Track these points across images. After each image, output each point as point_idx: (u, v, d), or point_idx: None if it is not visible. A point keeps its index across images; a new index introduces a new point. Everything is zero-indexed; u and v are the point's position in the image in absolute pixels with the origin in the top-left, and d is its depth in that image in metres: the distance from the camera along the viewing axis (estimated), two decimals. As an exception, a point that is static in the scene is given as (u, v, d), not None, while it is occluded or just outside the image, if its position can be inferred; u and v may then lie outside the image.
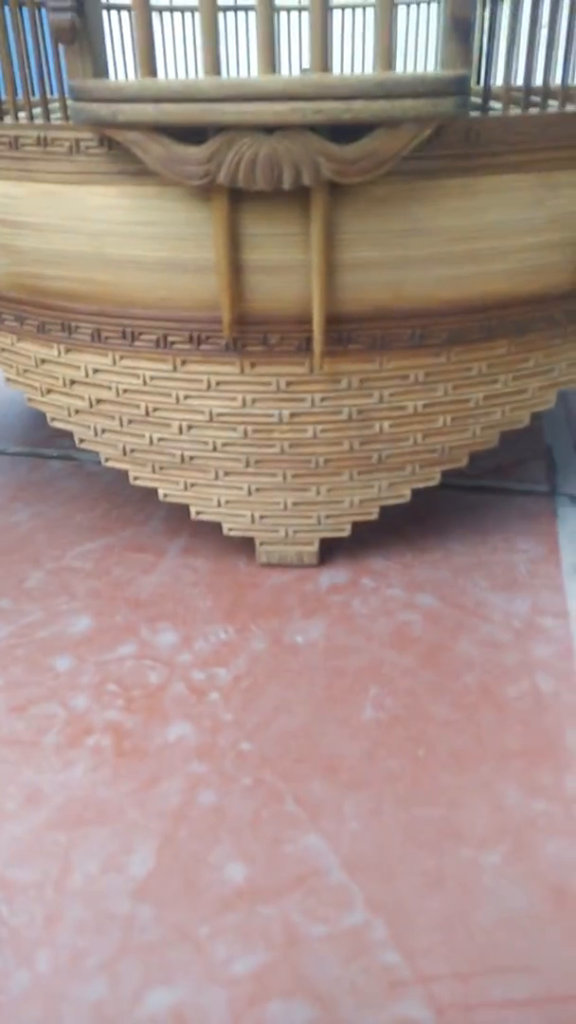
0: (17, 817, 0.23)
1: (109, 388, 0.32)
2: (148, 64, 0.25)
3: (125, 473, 0.42)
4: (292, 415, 0.31)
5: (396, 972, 0.19)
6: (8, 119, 0.29)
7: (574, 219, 0.29)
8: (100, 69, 0.26)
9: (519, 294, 0.30)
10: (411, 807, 0.24)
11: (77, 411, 0.34)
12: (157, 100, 0.24)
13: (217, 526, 0.37)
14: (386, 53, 0.24)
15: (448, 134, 0.26)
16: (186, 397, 0.31)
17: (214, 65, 0.25)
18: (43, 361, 0.33)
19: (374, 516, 0.34)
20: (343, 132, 0.25)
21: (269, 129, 0.25)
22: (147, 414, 0.32)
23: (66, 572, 0.35)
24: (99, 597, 0.33)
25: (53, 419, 0.35)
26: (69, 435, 0.47)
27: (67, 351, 0.32)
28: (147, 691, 0.28)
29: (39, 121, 0.31)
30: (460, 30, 0.25)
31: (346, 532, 0.34)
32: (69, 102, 0.27)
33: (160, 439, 0.33)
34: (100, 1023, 0.18)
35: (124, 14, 0.60)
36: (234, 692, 0.28)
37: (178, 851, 0.22)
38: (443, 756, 0.25)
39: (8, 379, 0.35)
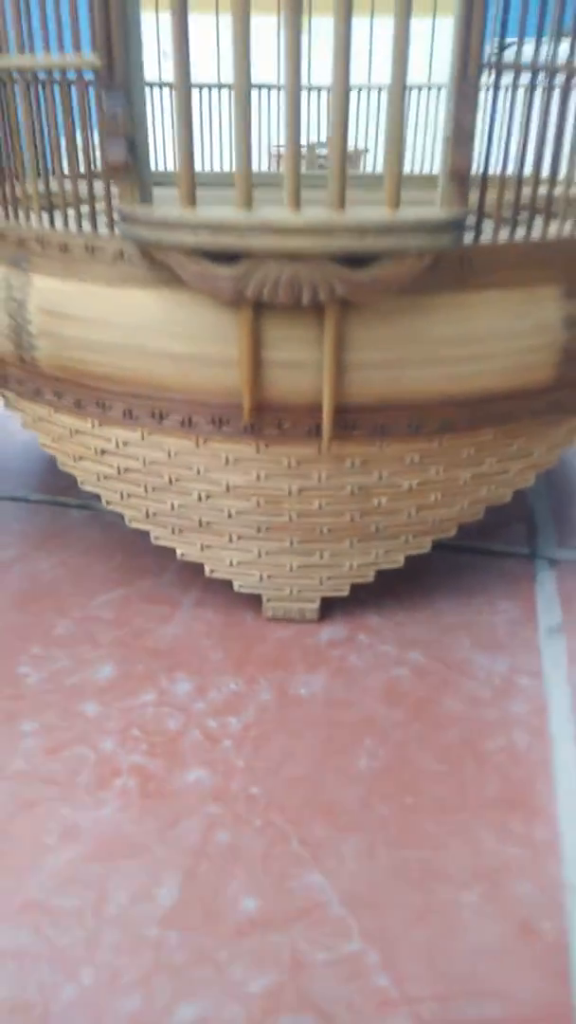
0: (57, 850, 0.27)
1: (136, 459, 0.36)
2: (189, 196, 0.29)
3: (141, 525, 0.45)
4: (300, 489, 0.35)
5: (386, 993, 0.23)
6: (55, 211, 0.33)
7: (553, 327, 0.34)
8: (146, 195, 0.30)
9: (503, 389, 0.34)
10: (400, 849, 0.27)
11: (105, 477, 0.37)
12: (195, 228, 0.28)
13: (227, 582, 0.41)
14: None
15: (445, 260, 0.30)
16: (206, 470, 0.35)
17: (247, 199, 0.29)
18: (77, 432, 0.37)
19: (370, 579, 0.37)
20: (355, 259, 0.29)
21: (291, 255, 0.28)
22: (170, 483, 0.36)
23: (90, 621, 0.38)
24: (120, 646, 0.37)
25: (83, 482, 0.38)
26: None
27: (100, 425, 0.36)
28: (167, 737, 0.32)
29: (86, 221, 0.35)
30: (459, 177, 0.29)
31: (345, 592, 0.38)
32: (117, 218, 0.31)
33: (180, 505, 0.36)
34: (136, 1032, 0.22)
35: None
36: (244, 740, 0.31)
37: (199, 884, 0.26)
38: (429, 803, 0.29)
39: (42, 444, 0.39)
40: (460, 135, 0.28)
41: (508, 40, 0.29)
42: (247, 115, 0.27)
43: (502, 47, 0.29)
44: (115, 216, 0.31)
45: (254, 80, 0.68)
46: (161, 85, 0.67)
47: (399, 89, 0.27)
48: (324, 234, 0.28)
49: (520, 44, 0.32)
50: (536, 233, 0.32)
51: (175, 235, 0.29)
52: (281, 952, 0.24)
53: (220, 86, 0.67)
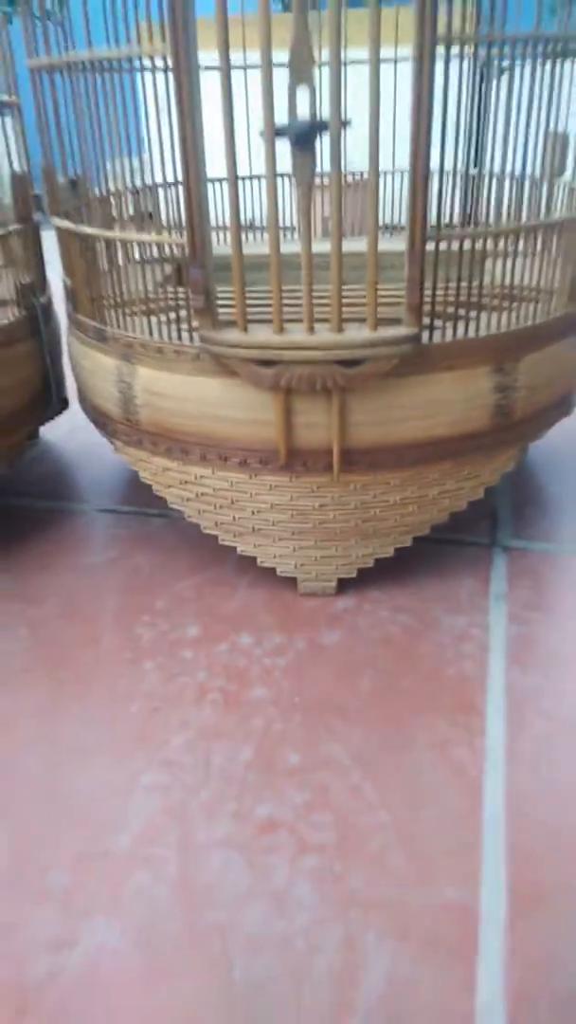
0: (177, 735, 0.44)
1: (208, 487, 0.53)
2: (243, 324, 0.45)
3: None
4: (320, 505, 0.52)
5: (374, 802, 0.39)
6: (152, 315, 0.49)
7: (486, 392, 0.50)
8: (216, 323, 0.47)
9: (456, 435, 0.50)
10: (386, 731, 0.44)
11: (187, 499, 0.54)
12: (247, 348, 0.45)
13: (272, 569, 0.58)
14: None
15: (410, 356, 0.47)
16: (256, 494, 0.52)
17: (280, 327, 0.45)
18: (167, 469, 0.54)
19: (371, 565, 0.54)
20: (350, 362, 0.45)
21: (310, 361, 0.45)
22: (231, 503, 0.53)
23: (178, 599, 0.55)
24: (201, 615, 0.54)
25: (171, 503, 0.55)
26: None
27: (183, 464, 0.53)
28: (238, 671, 0.48)
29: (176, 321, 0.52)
30: (414, 310, 0.45)
31: (354, 575, 0.54)
32: (196, 336, 0.48)
33: (239, 518, 0.53)
34: (234, 821, 0.39)
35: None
36: (288, 672, 0.48)
37: (264, 750, 0.43)
38: (407, 707, 0.45)
39: (143, 478, 0.56)
40: (412, 285, 0.44)
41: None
42: (279, 271, 0.44)
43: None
44: (196, 335, 0.48)
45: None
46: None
47: (373, 245, 0.43)
48: (329, 349, 0.44)
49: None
50: (472, 332, 0.48)
51: (234, 351, 0.45)
52: (313, 782, 0.41)
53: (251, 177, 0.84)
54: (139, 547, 0.62)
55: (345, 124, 0.40)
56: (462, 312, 0.52)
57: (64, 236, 0.55)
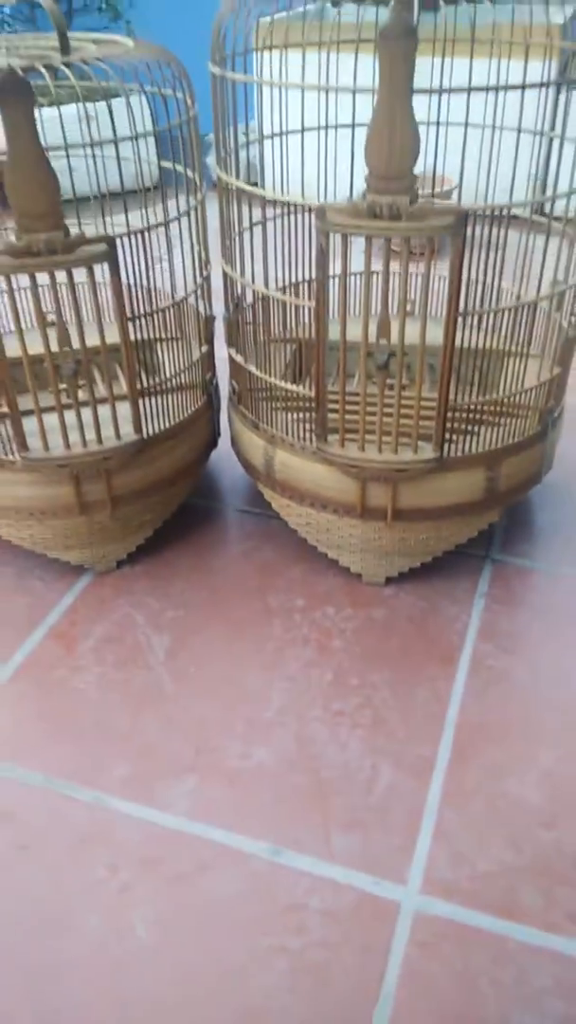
0: (293, 662, 0.83)
1: (313, 520, 0.90)
2: (341, 443, 0.81)
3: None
4: (378, 536, 0.88)
5: (394, 722, 0.78)
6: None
7: (481, 483, 0.85)
8: (327, 435, 0.82)
9: (459, 502, 0.86)
10: (407, 677, 0.82)
11: (300, 524, 0.92)
12: (342, 458, 0.81)
13: (347, 568, 0.95)
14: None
15: (433, 465, 0.82)
16: (342, 527, 0.89)
17: (363, 445, 0.81)
18: (289, 506, 0.91)
19: (406, 570, 0.91)
20: (401, 469, 0.81)
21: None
22: (326, 530, 0.90)
23: (292, 581, 0.94)
24: (304, 592, 0.92)
25: (294, 527, 0.93)
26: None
27: (299, 505, 0.90)
28: (325, 629, 0.87)
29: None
30: (438, 446, 0.80)
31: (395, 575, 0.91)
32: (314, 442, 0.84)
33: (330, 538, 0.90)
34: (321, 708, 0.78)
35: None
36: (353, 632, 0.86)
37: (338, 675, 0.81)
38: (417, 661, 0.83)
39: (275, 509, 0.93)
40: (437, 437, 0.79)
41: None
42: (364, 408, 0.79)
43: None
44: (315, 442, 0.84)
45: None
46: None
47: (417, 412, 0.78)
48: (388, 464, 0.80)
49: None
50: (472, 448, 0.83)
51: (336, 459, 0.82)
52: (362, 693, 0.79)
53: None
54: (265, 542, 1.00)
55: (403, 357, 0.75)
56: (469, 427, 0.87)
57: (236, 366, 0.91)
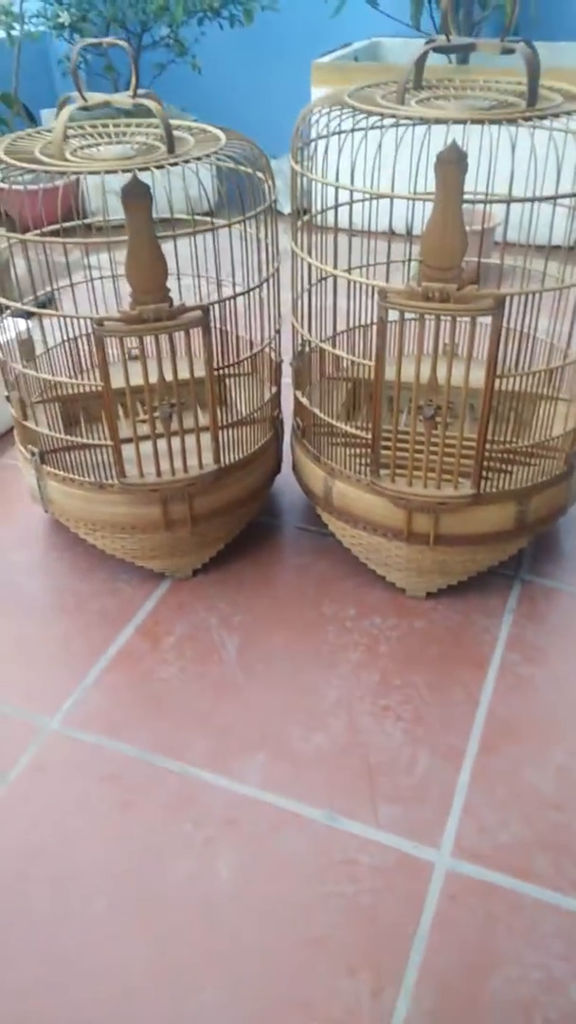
0: (344, 664, 0.97)
1: (364, 540, 1.04)
2: (392, 475, 0.95)
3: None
4: (420, 557, 1.02)
5: (423, 700, 0.92)
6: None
7: (512, 514, 0.98)
8: (379, 472, 0.97)
9: (493, 531, 0.99)
10: (440, 672, 0.95)
11: (352, 543, 1.06)
12: (393, 492, 0.95)
13: (392, 583, 1.09)
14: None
15: (471, 500, 0.96)
16: (389, 548, 1.03)
17: (411, 480, 0.95)
18: (343, 527, 1.05)
19: (444, 586, 1.05)
20: (443, 502, 0.94)
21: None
22: (376, 550, 1.04)
23: (343, 592, 1.08)
24: (356, 602, 1.06)
25: (348, 547, 1.07)
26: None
27: (352, 528, 1.04)
28: (373, 636, 1.01)
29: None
30: (475, 486, 0.93)
31: (435, 591, 1.05)
32: (367, 475, 0.98)
33: (378, 556, 1.04)
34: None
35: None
36: (397, 640, 1.00)
37: (384, 676, 0.95)
38: (454, 664, 0.97)
39: (329, 527, 1.08)
40: (475, 479, 0.92)
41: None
42: (414, 452, 0.93)
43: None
44: (369, 476, 0.98)
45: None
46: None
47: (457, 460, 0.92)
48: (432, 498, 0.94)
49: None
50: (505, 486, 0.97)
51: (386, 492, 0.95)
52: (404, 692, 0.93)
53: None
54: (320, 557, 1.14)
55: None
56: (504, 466, 1.00)
57: (300, 406, 1.05)
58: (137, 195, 0.79)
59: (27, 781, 0.83)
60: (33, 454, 1.03)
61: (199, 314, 0.87)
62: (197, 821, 0.79)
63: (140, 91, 0.94)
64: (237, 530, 1.12)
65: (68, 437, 1.00)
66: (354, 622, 1.03)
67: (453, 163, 0.73)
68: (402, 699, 0.92)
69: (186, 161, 0.87)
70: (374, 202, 0.95)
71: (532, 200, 0.77)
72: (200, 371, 0.93)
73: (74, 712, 0.91)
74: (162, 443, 0.96)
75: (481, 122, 0.79)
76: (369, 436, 0.95)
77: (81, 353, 1.17)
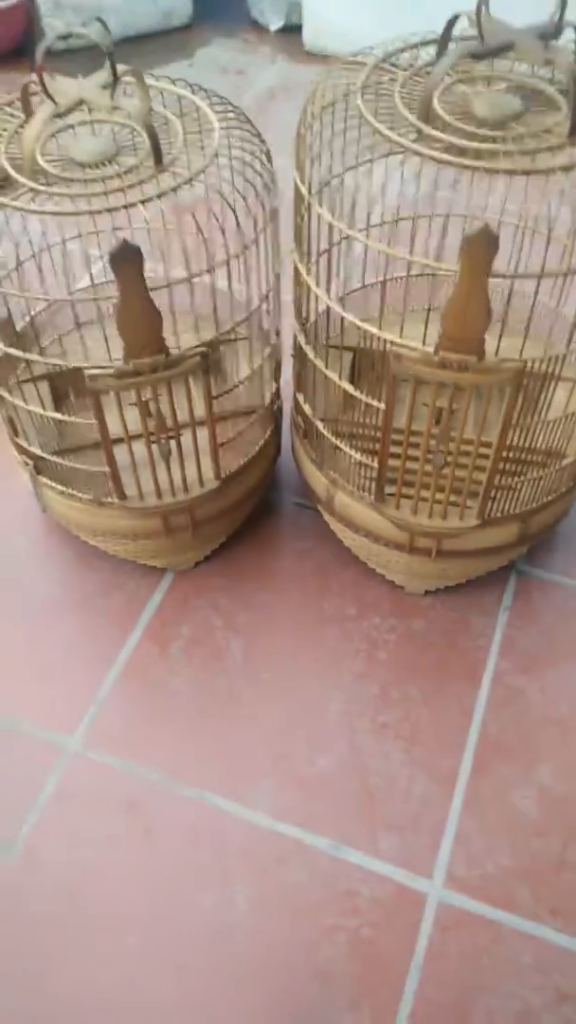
0: (347, 672, 1.02)
1: (365, 546, 1.04)
2: (396, 503, 0.94)
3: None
4: (421, 565, 1.03)
5: (415, 702, 0.98)
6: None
7: (514, 530, 0.98)
8: (384, 498, 0.95)
9: (495, 545, 1.00)
10: (438, 675, 1.01)
11: (354, 546, 1.06)
12: (395, 519, 0.94)
13: (392, 581, 1.10)
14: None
15: (475, 527, 0.95)
16: (390, 555, 1.04)
17: (415, 510, 0.94)
18: (344, 532, 1.05)
19: (443, 586, 1.07)
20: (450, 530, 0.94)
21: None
22: (377, 554, 1.05)
23: (343, 583, 1.10)
24: (355, 600, 1.09)
25: (346, 544, 1.07)
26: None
27: (354, 534, 1.04)
28: (371, 639, 1.05)
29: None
30: (482, 519, 0.92)
31: (433, 590, 1.07)
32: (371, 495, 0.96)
33: (383, 562, 1.06)
34: (370, 719, 0.98)
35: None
36: (394, 643, 1.04)
37: (381, 686, 1.00)
38: (446, 671, 1.02)
39: (331, 528, 1.08)
40: (481, 512, 0.91)
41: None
42: (421, 479, 0.92)
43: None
44: (372, 498, 0.96)
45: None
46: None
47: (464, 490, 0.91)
48: (436, 529, 0.93)
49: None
50: (507, 509, 0.96)
51: (388, 517, 0.95)
52: (402, 706, 0.99)
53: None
54: (320, 543, 1.15)
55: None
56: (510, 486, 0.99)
57: (301, 407, 1.01)
58: (127, 258, 0.71)
59: (55, 809, 0.90)
60: (27, 464, 1.00)
61: (197, 361, 0.82)
62: (215, 851, 0.87)
63: (120, 68, 0.80)
64: (238, 524, 1.12)
65: (63, 461, 0.96)
66: (354, 623, 1.07)
67: (483, 245, 0.66)
68: (400, 715, 0.98)
69: (177, 187, 0.77)
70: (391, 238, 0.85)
71: (566, 274, 0.70)
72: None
73: (92, 730, 0.97)
74: (161, 472, 0.94)
75: (533, 172, 0.70)
76: (372, 433, 0.92)
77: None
